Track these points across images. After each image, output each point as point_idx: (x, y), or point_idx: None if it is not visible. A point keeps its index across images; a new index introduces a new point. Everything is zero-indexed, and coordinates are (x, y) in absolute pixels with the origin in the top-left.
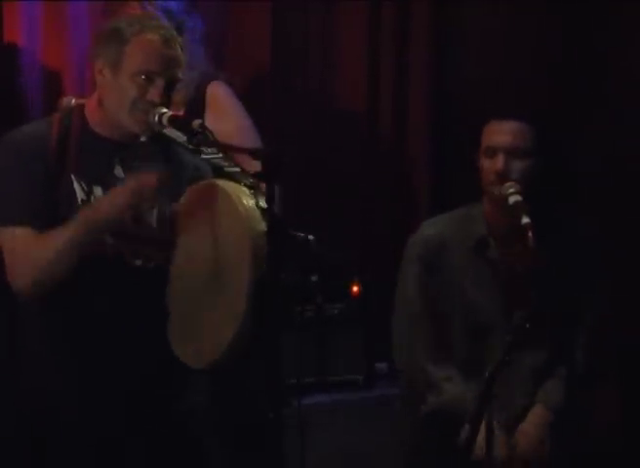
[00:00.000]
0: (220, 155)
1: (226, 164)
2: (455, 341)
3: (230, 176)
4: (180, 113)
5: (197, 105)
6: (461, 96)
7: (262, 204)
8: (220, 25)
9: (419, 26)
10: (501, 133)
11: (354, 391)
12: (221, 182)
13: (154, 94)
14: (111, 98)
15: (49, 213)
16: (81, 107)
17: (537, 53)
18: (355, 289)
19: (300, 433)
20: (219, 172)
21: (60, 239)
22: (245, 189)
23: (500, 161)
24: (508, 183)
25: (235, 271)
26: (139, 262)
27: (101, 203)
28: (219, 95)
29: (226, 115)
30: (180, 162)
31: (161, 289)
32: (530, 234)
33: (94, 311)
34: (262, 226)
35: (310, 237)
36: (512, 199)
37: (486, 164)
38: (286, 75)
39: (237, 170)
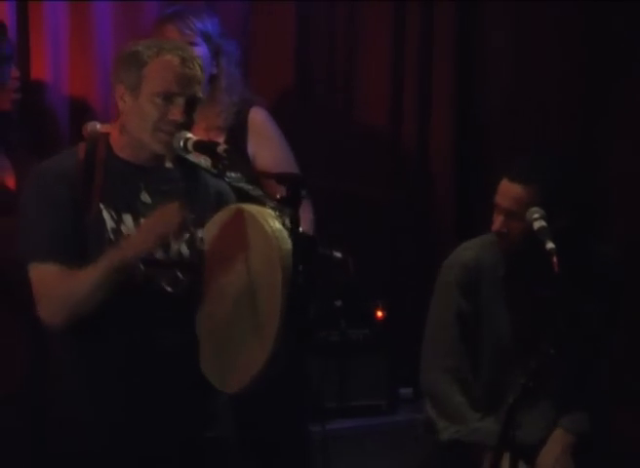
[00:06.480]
0: (244, 179)
1: (250, 187)
2: (481, 368)
3: (255, 200)
4: (221, 139)
5: (239, 131)
6: (488, 110)
7: (289, 225)
8: (241, 42)
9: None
10: (505, 195)
11: (377, 416)
12: (247, 206)
13: (175, 113)
14: (133, 122)
15: (78, 242)
16: (106, 135)
17: (562, 70)
18: (379, 314)
19: (324, 457)
20: (243, 195)
21: (88, 278)
22: (270, 211)
23: (498, 220)
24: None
25: (267, 293)
26: (170, 289)
27: (129, 241)
28: (261, 121)
29: (269, 142)
30: (205, 186)
31: (192, 314)
32: (555, 260)
33: (126, 338)
34: (290, 246)
35: (342, 255)
36: (537, 224)
37: (494, 216)
38: (309, 91)
39: (261, 193)
